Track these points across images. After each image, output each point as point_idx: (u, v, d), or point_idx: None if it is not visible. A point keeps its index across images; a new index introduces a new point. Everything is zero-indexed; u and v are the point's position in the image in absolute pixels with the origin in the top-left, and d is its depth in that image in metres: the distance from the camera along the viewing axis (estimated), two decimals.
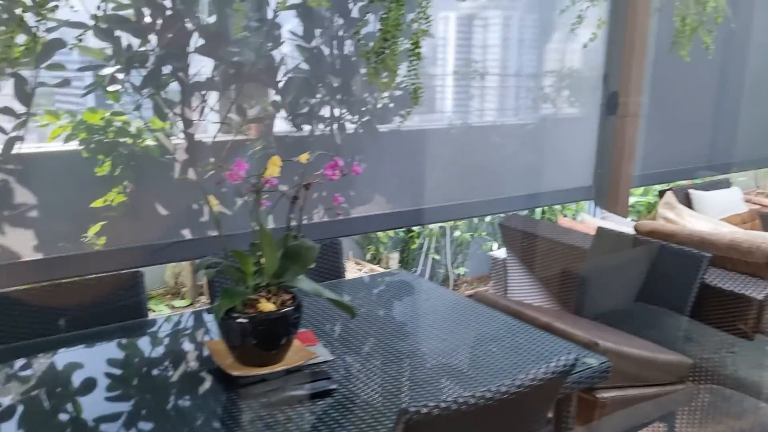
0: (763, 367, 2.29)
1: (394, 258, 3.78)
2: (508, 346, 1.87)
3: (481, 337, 1.93)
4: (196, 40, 2.67)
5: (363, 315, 2.08)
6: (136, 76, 2.58)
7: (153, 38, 2.56)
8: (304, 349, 1.74)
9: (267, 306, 1.60)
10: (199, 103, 2.76)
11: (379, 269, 3.54)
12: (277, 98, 2.90)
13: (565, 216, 4.34)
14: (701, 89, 4.07)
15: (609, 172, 3.59)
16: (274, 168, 1.65)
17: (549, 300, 3.04)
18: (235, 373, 1.58)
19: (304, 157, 1.70)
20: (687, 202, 4.06)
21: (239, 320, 1.59)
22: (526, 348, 1.86)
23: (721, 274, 2.47)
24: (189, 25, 2.62)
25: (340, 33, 2.95)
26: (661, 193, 3.89)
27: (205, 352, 1.78)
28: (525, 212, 4.28)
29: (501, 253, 3.28)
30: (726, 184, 4.34)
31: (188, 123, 2.70)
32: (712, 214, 3.92)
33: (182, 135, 2.70)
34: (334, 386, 1.59)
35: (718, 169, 4.44)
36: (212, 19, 2.66)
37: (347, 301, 2.22)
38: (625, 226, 3.04)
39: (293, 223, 1.69)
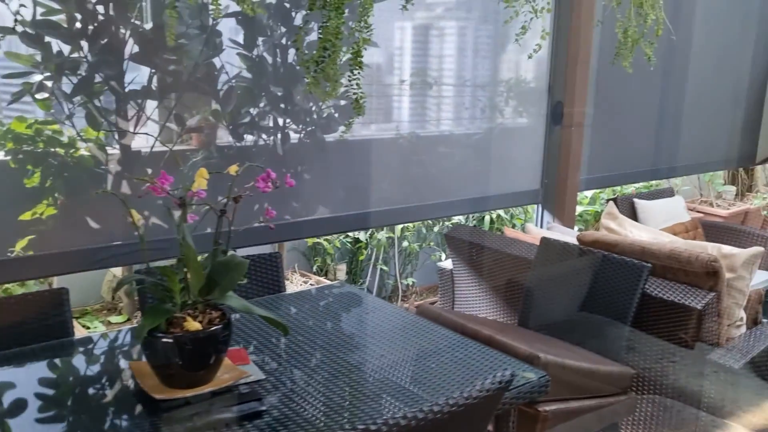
0: (703, 376, 2.31)
1: (342, 269, 3.73)
2: (447, 362, 1.83)
3: (422, 353, 1.89)
4: (132, 47, 2.59)
5: (302, 330, 2.02)
6: (68, 83, 2.49)
7: (85, 44, 2.47)
8: (236, 369, 1.67)
9: (193, 325, 1.53)
10: (135, 112, 2.67)
11: (325, 281, 3.48)
12: (218, 108, 2.83)
13: (513, 226, 4.35)
14: (644, 99, 4.13)
15: (555, 181, 3.60)
16: (201, 180, 1.59)
17: (495, 311, 3.02)
18: (158, 396, 1.51)
19: (233, 169, 1.64)
20: (632, 211, 4.11)
21: (163, 340, 1.51)
22: (465, 363, 1.82)
23: (661, 284, 2.49)
24: (123, 32, 2.54)
25: (283, 41, 2.90)
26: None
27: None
28: (473, 222, 4.27)
29: (448, 264, 3.25)
30: (670, 193, 4.41)
31: (123, 133, 2.60)
32: (656, 223, 3.98)
33: (117, 145, 2.61)
34: (264, 407, 1.52)
35: (661, 175, 4.52)
36: (149, 26, 2.58)
37: (285, 316, 2.15)
38: (570, 236, 3.05)
39: (226, 237, 1.63)
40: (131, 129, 2.64)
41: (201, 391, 1.53)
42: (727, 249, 2.59)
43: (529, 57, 3.39)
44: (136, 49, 2.56)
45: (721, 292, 2.41)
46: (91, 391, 1.61)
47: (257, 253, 2.44)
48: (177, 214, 2.65)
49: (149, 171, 2.66)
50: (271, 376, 1.71)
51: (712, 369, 2.28)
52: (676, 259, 2.44)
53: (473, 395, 1.40)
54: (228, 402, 1.53)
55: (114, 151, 2.66)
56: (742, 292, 2.50)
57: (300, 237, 3.40)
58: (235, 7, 2.70)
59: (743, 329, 2.58)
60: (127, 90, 2.62)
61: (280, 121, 2.98)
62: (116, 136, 2.62)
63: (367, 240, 3.75)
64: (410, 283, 4.07)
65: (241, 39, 2.81)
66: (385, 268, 3.94)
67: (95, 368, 1.76)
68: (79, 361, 1.82)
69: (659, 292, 2.45)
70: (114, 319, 2.95)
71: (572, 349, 2.41)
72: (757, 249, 2.52)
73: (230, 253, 1.63)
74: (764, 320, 2.84)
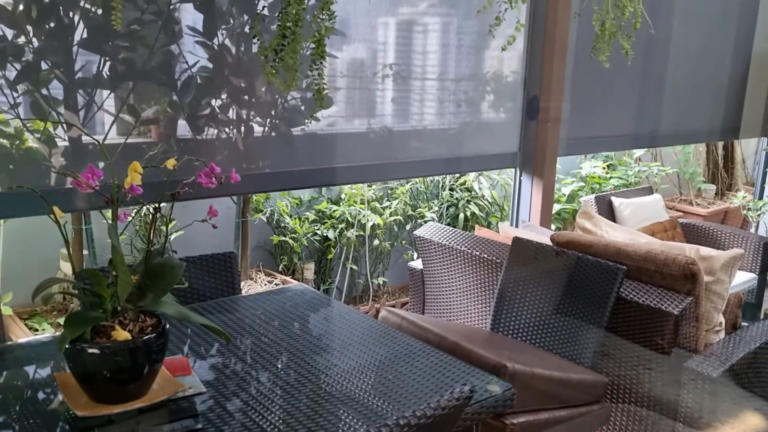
0: (680, 384, 2.20)
1: (310, 268, 3.59)
2: (406, 373, 1.70)
3: (380, 362, 1.76)
4: (82, 33, 2.43)
5: (251, 338, 1.88)
6: (12, 70, 2.33)
7: (30, 29, 2.32)
8: (173, 381, 1.53)
9: (121, 334, 1.39)
10: (85, 102, 2.52)
11: (292, 281, 3.34)
12: (176, 99, 2.68)
13: (489, 225, 4.23)
14: (622, 93, 4.03)
15: (534, 146, 3.44)
16: (134, 175, 1.44)
17: (467, 314, 2.90)
18: (80, 413, 1.36)
19: (170, 163, 1.50)
20: (610, 209, 4.01)
21: (89, 351, 1.37)
22: (425, 374, 1.70)
23: (637, 287, 2.38)
24: (72, 16, 2.38)
25: (246, 30, 2.75)
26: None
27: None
28: (447, 220, 4.16)
29: (419, 264, 3.13)
30: (649, 192, 4.32)
31: (70, 125, 2.45)
32: (634, 222, 3.88)
33: (67, 137, 2.46)
34: (199, 425, 1.39)
35: (642, 143, 4.41)
36: (101, 11, 2.43)
37: (235, 321, 2.01)
38: (545, 236, 2.93)
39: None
40: (80, 120, 2.49)
41: (129, 407, 1.39)
42: (705, 251, 2.49)
43: (503, 49, 3.27)
44: (86, 35, 2.40)
45: (699, 296, 2.31)
46: (8, 405, 1.46)
47: (211, 253, 2.30)
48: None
49: (101, 165, 2.51)
50: (213, 388, 1.57)
51: (689, 377, 2.17)
52: (653, 261, 2.33)
53: (427, 414, 1.27)
54: (159, 419, 1.39)
55: (64, 143, 2.51)
56: (720, 296, 2.40)
57: (265, 190, 3.19)
58: None
59: (722, 334, 2.48)
60: (76, 78, 2.47)
61: (244, 114, 2.84)
62: (65, 128, 2.46)
63: (336, 238, 3.61)
64: (381, 283, 3.94)
65: (200, 26, 2.66)
66: (354, 267, 3.81)
67: (19, 379, 1.61)
68: (14, 367, 1.67)
69: (635, 296, 2.34)
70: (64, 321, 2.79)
71: (544, 356, 2.30)
72: (737, 251, 2.42)
73: (167, 255, 1.49)
74: (744, 324, 2.74)
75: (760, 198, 5.36)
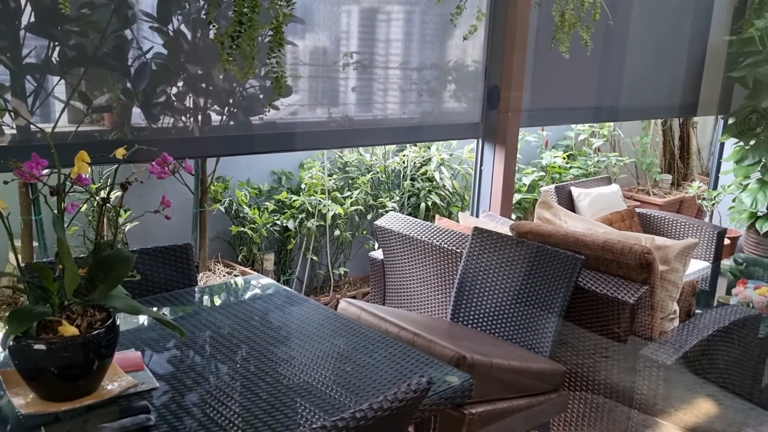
0: (636, 372, 2.23)
1: (270, 259, 3.55)
2: (364, 364, 1.69)
3: (339, 354, 1.74)
4: (29, 17, 2.35)
5: (208, 329, 1.84)
6: None
7: None
8: (125, 377, 1.49)
9: (68, 329, 1.34)
10: (34, 88, 2.43)
11: (251, 272, 3.29)
12: (130, 86, 2.60)
13: (450, 214, 4.24)
14: (582, 84, 4.06)
15: (496, 114, 3.42)
16: (81, 165, 1.39)
17: (428, 304, 2.90)
18: (26, 411, 1.31)
19: (120, 153, 1.45)
20: (569, 199, 4.05)
21: (35, 347, 1.32)
22: (383, 365, 1.68)
23: (594, 276, 2.40)
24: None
25: (203, 15, 2.69)
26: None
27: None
28: (408, 210, 4.15)
29: (379, 254, 3.11)
30: (607, 182, 4.37)
31: (17, 112, 2.37)
32: (593, 212, 3.92)
33: (14, 125, 2.37)
34: (152, 422, 1.35)
35: (603, 116, 4.46)
36: None
37: (191, 314, 1.97)
38: (505, 226, 2.94)
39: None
40: (29, 107, 2.41)
41: (77, 405, 1.35)
42: (660, 240, 2.52)
43: (464, 38, 3.26)
44: (33, 18, 2.32)
45: (655, 285, 2.34)
46: None
47: (167, 245, 2.25)
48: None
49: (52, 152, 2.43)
50: (168, 383, 1.53)
51: (644, 364, 2.20)
52: (610, 250, 2.36)
53: (384, 406, 1.25)
54: (109, 416, 1.35)
55: (11, 131, 2.42)
56: (675, 284, 2.43)
57: (227, 154, 3.13)
58: None
59: (676, 322, 2.52)
60: (24, 64, 2.38)
61: (201, 102, 2.77)
62: (12, 115, 2.38)
63: (296, 228, 3.57)
64: (342, 273, 3.92)
65: (155, 11, 2.58)
66: (315, 258, 3.77)
67: None
68: None
69: (592, 285, 2.36)
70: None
71: (503, 346, 2.31)
72: (691, 241, 2.46)
73: (117, 246, 1.45)
74: (698, 311, 2.80)
75: (715, 188, 5.47)
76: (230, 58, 2.22)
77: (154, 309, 2.01)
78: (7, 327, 1.29)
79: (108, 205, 1.40)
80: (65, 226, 1.43)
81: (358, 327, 1.92)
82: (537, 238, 2.55)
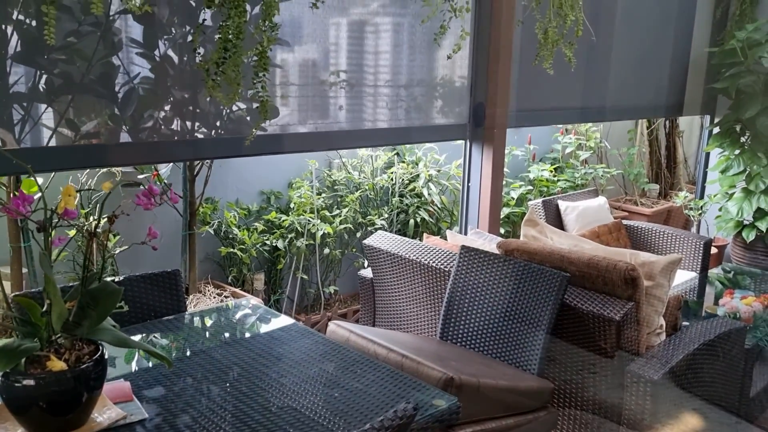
0: (623, 388, 2.25)
1: (260, 279, 3.56)
2: (352, 389, 1.70)
3: (327, 379, 1.76)
4: (15, 46, 2.36)
5: (197, 357, 1.85)
6: None
7: None
8: (114, 409, 1.50)
9: (57, 364, 1.35)
10: (21, 116, 2.45)
11: (242, 293, 3.30)
12: (117, 111, 2.62)
13: (438, 230, 4.26)
14: (567, 100, 4.10)
15: (484, 115, 3.44)
16: (68, 199, 1.41)
17: (417, 323, 2.92)
18: None
19: (106, 186, 1.47)
20: (557, 213, 4.09)
21: (24, 383, 1.33)
22: (371, 390, 1.70)
23: (581, 293, 2.42)
24: (4, 28, 2.31)
25: (189, 40, 2.71)
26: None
27: None
28: (398, 226, 4.17)
29: (369, 272, 3.13)
30: (594, 194, 4.41)
31: (4, 141, 2.38)
32: (581, 225, 3.96)
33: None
34: None
35: (590, 117, 4.52)
36: (34, 23, 2.36)
37: (180, 341, 1.98)
38: (492, 243, 2.97)
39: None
40: (16, 135, 2.42)
41: None
42: (645, 256, 2.55)
43: (449, 57, 3.30)
44: (19, 48, 2.34)
45: (640, 301, 2.37)
46: None
47: (156, 271, 2.26)
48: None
49: (40, 181, 2.44)
50: (159, 409, 1.54)
51: (631, 380, 2.22)
52: (595, 267, 2.38)
53: None
54: None
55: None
56: (660, 299, 2.46)
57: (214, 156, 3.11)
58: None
59: (663, 336, 2.55)
60: (11, 92, 2.40)
61: (188, 125, 2.79)
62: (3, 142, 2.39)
63: (285, 248, 3.58)
64: (333, 292, 3.93)
65: (141, 38, 2.61)
66: (305, 276, 3.79)
67: None
68: None
69: (578, 302, 2.39)
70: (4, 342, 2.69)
71: (491, 365, 2.32)
72: (675, 256, 2.49)
73: (106, 279, 1.46)
74: (685, 324, 2.82)
75: (701, 197, 5.52)
76: (216, 85, 2.24)
77: (144, 336, 2.02)
78: None
79: (97, 230, 1.41)
80: (53, 258, 1.44)
81: (347, 351, 1.94)
82: (524, 256, 2.57)
